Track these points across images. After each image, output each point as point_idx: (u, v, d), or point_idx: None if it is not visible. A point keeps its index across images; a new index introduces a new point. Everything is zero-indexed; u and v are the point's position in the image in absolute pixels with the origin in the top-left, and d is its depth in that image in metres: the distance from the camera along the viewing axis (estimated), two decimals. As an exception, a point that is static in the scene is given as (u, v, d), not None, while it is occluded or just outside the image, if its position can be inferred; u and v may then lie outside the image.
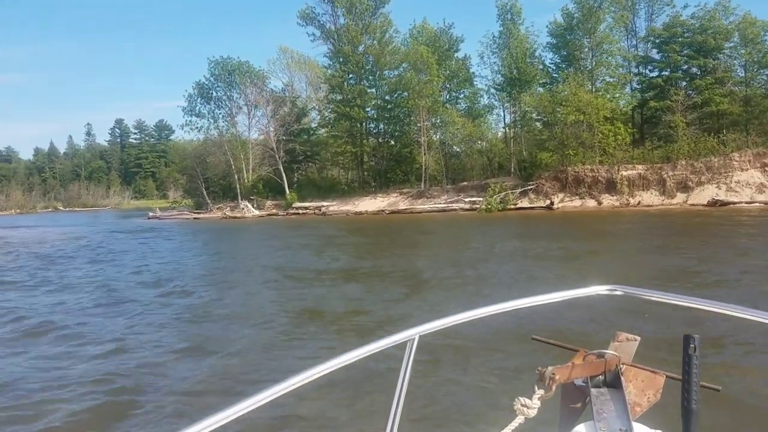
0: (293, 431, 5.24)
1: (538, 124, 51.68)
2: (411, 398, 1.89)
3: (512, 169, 50.20)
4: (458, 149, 55.12)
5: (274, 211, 53.23)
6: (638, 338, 1.86)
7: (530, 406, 1.59)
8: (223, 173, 61.61)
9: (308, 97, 67.23)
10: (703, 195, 39.31)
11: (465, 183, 50.65)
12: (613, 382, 1.74)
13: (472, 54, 62.84)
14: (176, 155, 75.66)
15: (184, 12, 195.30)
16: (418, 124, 51.79)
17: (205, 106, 61.47)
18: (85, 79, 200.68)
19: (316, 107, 63.58)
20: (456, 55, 55.75)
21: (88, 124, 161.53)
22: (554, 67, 52.17)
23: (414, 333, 1.67)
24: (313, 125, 64.58)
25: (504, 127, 54.99)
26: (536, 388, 1.61)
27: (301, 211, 50.98)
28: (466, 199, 46.06)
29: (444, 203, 46.81)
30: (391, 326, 8.16)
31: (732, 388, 5.42)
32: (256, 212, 52.68)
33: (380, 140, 56.07)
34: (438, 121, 52.58)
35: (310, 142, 61.22)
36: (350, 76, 54.73)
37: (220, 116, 61.94)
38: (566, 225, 30.84)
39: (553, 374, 1.62)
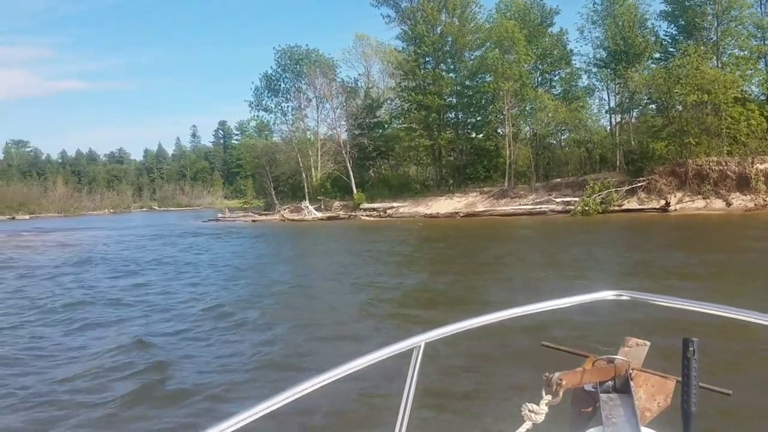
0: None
1: (651, 107, 43.47)
2: (417, 406, 1.79)
3: (617, 163, 42.64)
4: (551, 140, 47.78)
5: (340, 212, 48.51)
6: (648, 343, 1.90)
7: (537, 411, 1.60)
8: (291, 172, 57.61)
9: (387, 87, 61.78)
10: None
11: (558, 180, 43.59)
12: (623, 388, 1.74)
13: (570, 28, 54.46)
14: (247, 154, 72.76)
15: (272, 16, 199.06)
16: (503, 112, 44.97)
17: (272, 100, 57.66)
18: (192, 83, 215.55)
19: (392, 97, 57.97)
20: (549, 30, 48.40)
21: (194, 126, 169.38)
22: (669, 40, 43.79)
23: (420, 340, 1.65)
24: (386, 115, 59.00)
25: (607, 112, 46.96)
26: (544, 393, 1.62)
27: (365, 214, 45.74)
28: (558, 200, 39.07)
29: (531, 204, 40.07)
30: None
31: (742, 393, 4.71)
32: (318, 214, 48.13)
33: (459, 131, 49.59)
34: (528, 108, 45.53)
35: (384, 136, 55.72)
36: (426, 59, 48.82)
37: (289, 110, 57.85)
38: (690, 234, 23.54)
39: (561, 380, 1.62)
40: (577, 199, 37.85)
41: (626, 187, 37.71)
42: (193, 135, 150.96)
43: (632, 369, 1.78)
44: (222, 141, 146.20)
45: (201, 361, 8.01)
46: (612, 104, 46.34)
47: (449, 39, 47.69)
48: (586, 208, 36.14)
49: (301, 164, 55.13)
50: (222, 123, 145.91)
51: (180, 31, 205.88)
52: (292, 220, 47.36)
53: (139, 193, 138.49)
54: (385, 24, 52.43)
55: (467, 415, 5.62)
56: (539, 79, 49.10)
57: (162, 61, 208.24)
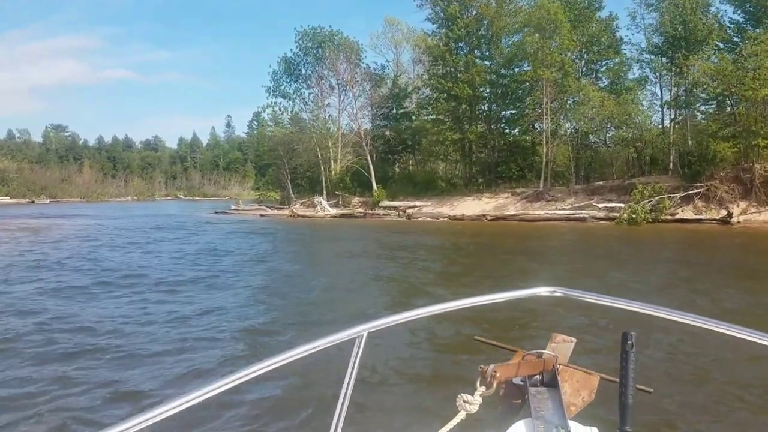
0: None
1: (702, 109, 38.66)
2: (356, 395, 1.84)
3: (670, 166, 37.84)
4: (594, 138, 43.09)
5: (359, 209, 44.66)
6: (574, 340, 2.00)
7: (472, 402, 1.67)
8: (309, 164, 54.04)
9: (417, 75, 57.58)
10: None
11: (601, 182, 39.03)
12: (551, 382, 1.84)
13: (620, 13, 49.08)
14: (264, 143, 69.66)
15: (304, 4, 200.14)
16: (542, 105, 40.48)
17: (291, 86, 54.00)
18: (228, 76, 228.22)
19: (420, 86, 53.77)
20: (597, 14, 43.73)
21: (229, 116, 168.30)
22: (734, 27, 38.77)
23: (362, 329, 1.67)
24: (414, 107, 54.79)
25: (662, 106, 41.98)
26: (478, 384, 1.71)
27: (382, 212, 41.95)
28: (600, 205, 34.61)
29: (569, 209, 35.67)
30: None
31: (663, 390, 5.44)
32: (331, 211, 44.43)
33: (491, 125, 45.14)
34: (569, 101, 40.97)
35: (412, 129, 51.59)
36: (459, 45, 44.60)
37: (310, 97, 54.13)
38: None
39: (495, 372, 1.73)
40: (622, 205, 33.47)
41: (680, 194, 33.10)
42: (228, 125, 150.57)
43: (559, 364, 1.88)
44: (256, 132, 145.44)
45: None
46: (666, 98, 41.45)
47: (485, 22, 43.36)
48: (634, 215, 31.68)
49: (319, 156, 51.50)
50: (257, 114, 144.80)
51: (219, 25, 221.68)
52: (303, 216, 43.75)
53: (172, 182, 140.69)
54: (417, 7, 48.36)
55: (404, 404, 5.61)
56: (584, 69, 44.54)
57: (205, 54, 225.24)
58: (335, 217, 42.79)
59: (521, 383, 1.83)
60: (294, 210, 45.83)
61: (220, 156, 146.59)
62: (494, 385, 1.71)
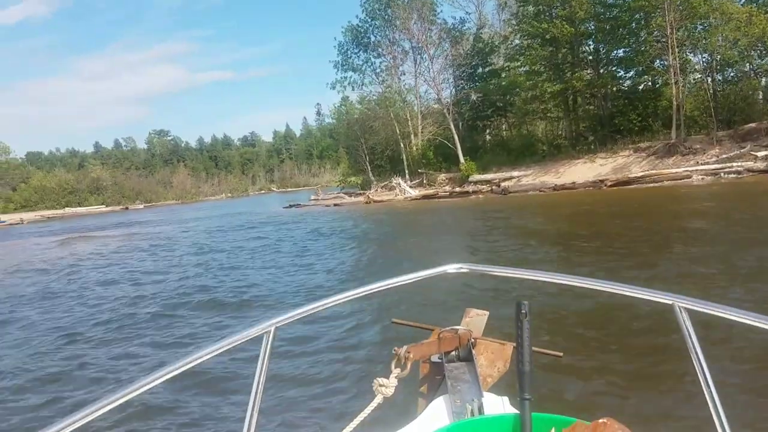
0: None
1: None
2: (270, 391, 1.89)
3: None
4: (734, 71, 34.07)
5: (446, 188, 38.66)
6: (487, 313, 2.05)
7: (387, 385, 1.69)
8: (387, 141, 47.97)
9: (505, 21, 49.65)
10: None
11: (752, 125, 30.33)
12: (466, 356, 1.88)
13: None
14: (340, 124, 64.30)
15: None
16: (662, 39, 32.03)
17: (360, 57, 47.98)
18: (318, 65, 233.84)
19: (509, 34, 45.97)
20: None
21: (318, 104, 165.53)
22: None
23: (270, 325, 1.62)
24: (502, 61, 47.16)
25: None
26: (393, 367, 1.75)
27: (472, 188, 35.30)
28: (760, 153, 26.30)
29: (715, 162, 27.70)
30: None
31: (570, 353, 5.30)
32: (412, 193, 38.33)
33: (600, 70, 36.93)
34: (698, 29, 32.31)
35: (502, 87, 44.08)
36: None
37: (382, 66, 47.94)
38: None
39: (408, 353, 1.76)
40: (788, 150, 25.11)
41: None
42: (318, 113, 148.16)
43: (474, 338, 1.91)
44: (345, 117, 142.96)
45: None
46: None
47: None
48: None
49: (397, 131, 45.28)
50: (344, 98, 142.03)
51: (303, 13, 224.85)
52: (379, 201, 37.97)
53: (269, 175, 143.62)
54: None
55: (320, 396, 5.32)
56: (714, -13, 35.37)
57: (291, 45, 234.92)
58: (416, 199, 36.59)
59: (439, 360, 1.85)
60: (369, 195, 40.30)
61: (313, 145, 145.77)
62: (409, 366, 1.73)
